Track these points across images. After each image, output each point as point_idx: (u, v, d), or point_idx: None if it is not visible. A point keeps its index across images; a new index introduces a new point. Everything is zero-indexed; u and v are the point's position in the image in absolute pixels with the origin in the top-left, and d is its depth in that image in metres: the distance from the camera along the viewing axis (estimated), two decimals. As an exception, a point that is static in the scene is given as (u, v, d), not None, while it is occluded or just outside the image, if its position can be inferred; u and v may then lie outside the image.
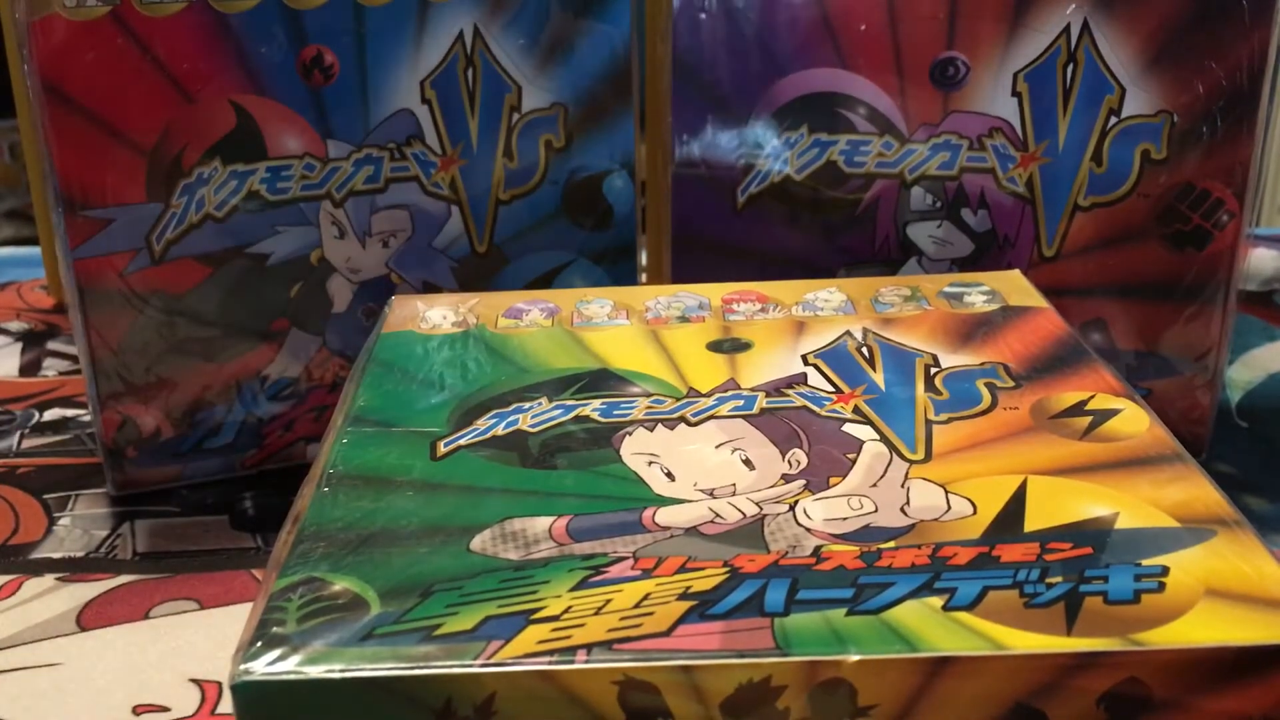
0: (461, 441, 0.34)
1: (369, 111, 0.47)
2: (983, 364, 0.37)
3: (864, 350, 0.38)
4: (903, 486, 0.31)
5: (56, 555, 0.46)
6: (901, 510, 0.30)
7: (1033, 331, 0.39)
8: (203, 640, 0.41)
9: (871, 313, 0.41)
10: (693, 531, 0.30)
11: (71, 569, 0.45)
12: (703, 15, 0.47)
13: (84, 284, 0.45)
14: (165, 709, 0.38)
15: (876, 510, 0.30)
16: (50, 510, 0.49)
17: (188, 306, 0.47)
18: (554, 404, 0.36)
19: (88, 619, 0.43)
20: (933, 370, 0.37)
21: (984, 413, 0.34)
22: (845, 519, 0.30)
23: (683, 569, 0.28)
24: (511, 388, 0.37)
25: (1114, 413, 0.34)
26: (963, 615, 0.26)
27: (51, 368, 0.61)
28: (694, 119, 0.49)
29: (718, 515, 0.30)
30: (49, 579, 0.45)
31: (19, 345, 0.64)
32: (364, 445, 0.34)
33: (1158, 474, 0.31)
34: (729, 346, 0.39)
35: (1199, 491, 0.30)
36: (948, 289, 0.42)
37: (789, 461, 0.33)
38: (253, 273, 0.47)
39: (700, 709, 0.25)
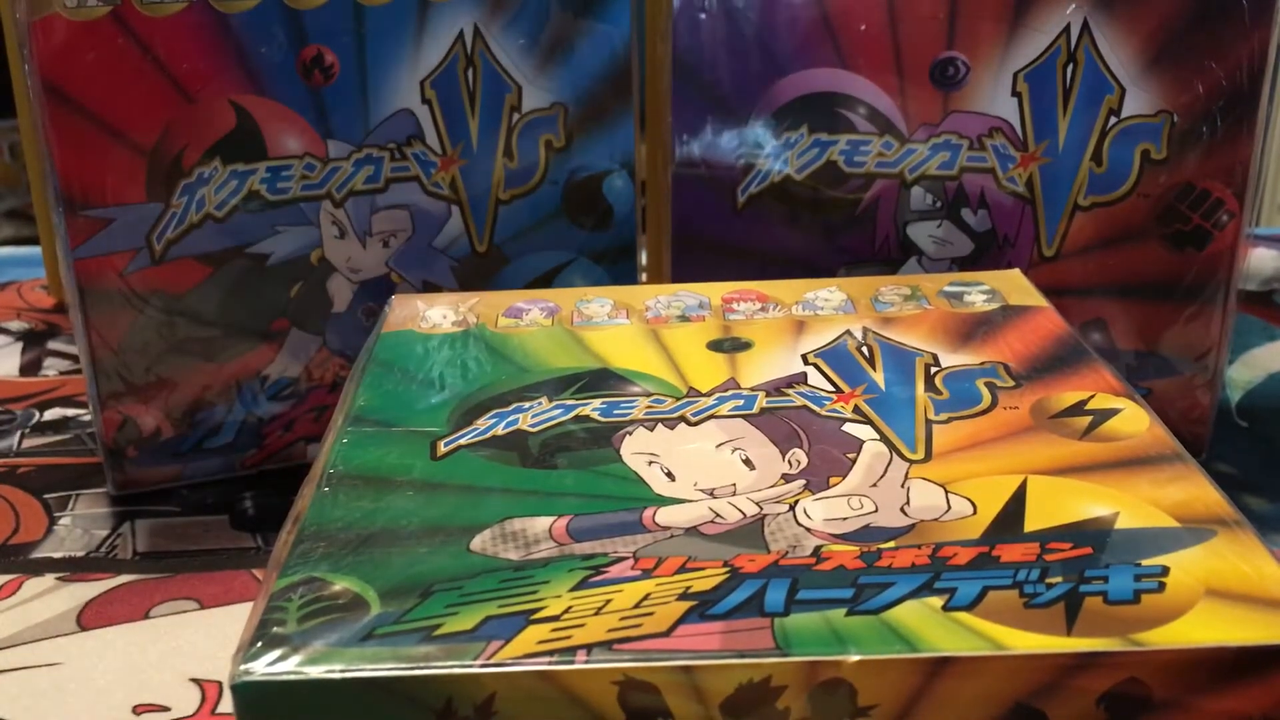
0: (461, 441, 0.34)
1: (369, 111, 0.47)
2: (983, 363, 0.37)
3: (864, 350, 0.38)
4: (903, 486, 0.31)
5: (57, 555, 0.46)
6: (901, 510, 0.30)
7: (1033, 331, 0.39)
8: (203, 640, 0.41)
9: (871, 312, 0.41)
10: (693, 531, 0.30)
11: (71, 569, 0.45)
12: (703, 15, 0.47)
13: (84, 284, 0.45)
14: (165, 709, 0.38)
15: (876, 510, 0.30)
16: (50, 510, 0.49)
17: (188, 306, 0.47)
18: (554, 404, 0.36)
19: (88, 619, 0.43)
20: (933, 370, 0.37)
21: (984, 412, 0.34)
22: (845, 519, 0.30)
23: (683, 569, 0.28)
24: (511, 387, 0.37)
25: (1114, 412, 0.34)
26: (963, 615, 0.26)
27: (52, 367, 0.61)
28: (694, 119, 0.49)
29: (718, 515, 0.30)
30: (49, 579, 0.45)
31: (19, 345, 0.64)
32: (364, 445, 0.34)
33: (1158, 474, 0.31)
34: (729, 346, 0.39)
35: (1199, 491, 0.30)
36: (948, 288, 0.42)
37: (789, 461, 0.33)
38: (253, 273, 0.47)
39: (700, 709, 0.25)
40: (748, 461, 0.33)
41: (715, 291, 0.42)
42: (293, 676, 0.25)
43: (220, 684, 0.39)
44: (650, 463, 0.33)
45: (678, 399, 0.36)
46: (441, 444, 0.34)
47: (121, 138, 0.44)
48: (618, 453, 0.33)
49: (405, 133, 0.48)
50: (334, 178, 0.47)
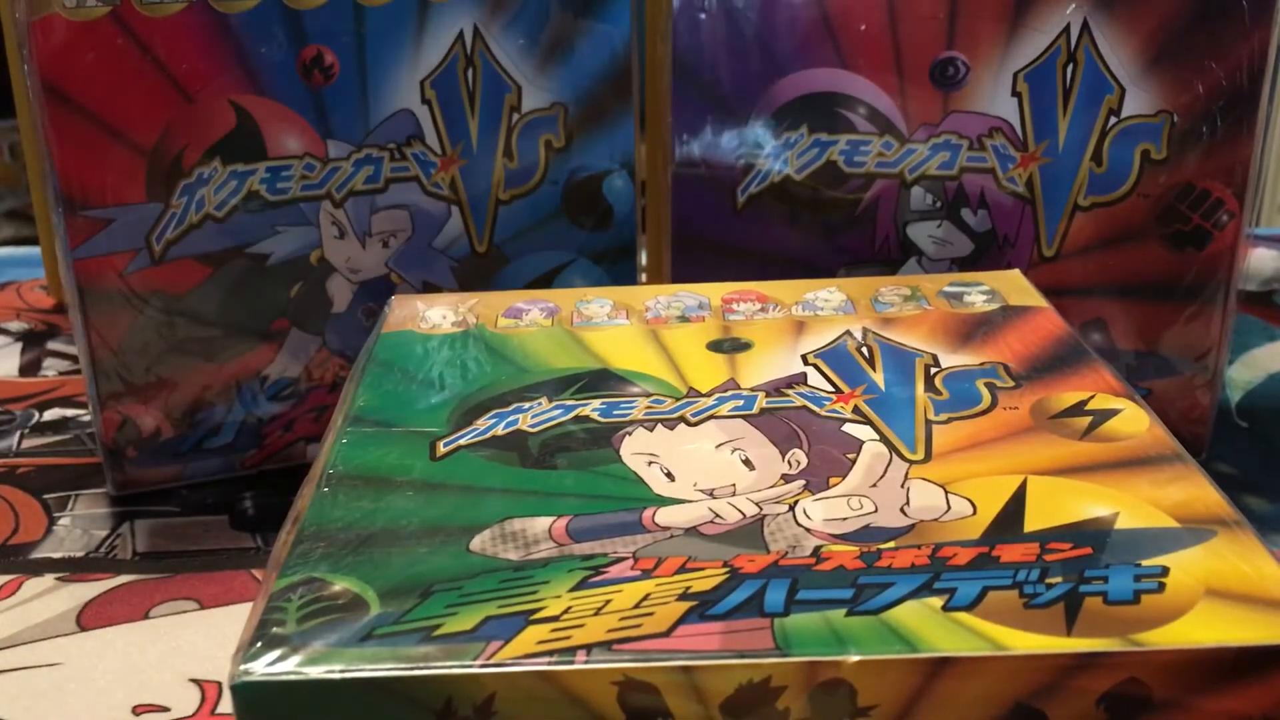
0: (461, 441, 0.34)
1: (369, 111, 0.47)
2: (983, 364, 0.37)
3: (864, 350, 0.38)
4: (902, 486, 0.31)
5: (56, 555, 0.46)
6: (901, 510, 0.30)
7: (1033, 331, 0.39)
8: (203, 640, 0.41)
9: (871, 312, 0.41)
10: (693, 532, 0.30)
11: (71, 569, 0.45)
12: (703, 15, 0.47)
13: (84, 284, 0.45)
14: (165, 709, 0.38)
15: (876, 510, 0.30)
16: (50, 510, 0.49)
17: (188, 306, 0.47)
18: (554, 404, 0.36)
19: (88, 619, 0.43)
20: (933, 370, 0.37)
21: (984, 413, 0.34)
22: (845, 519, 0.30)
23: (683, 569, 0.28)
24: (511, 388, 0.37)
25: (1114, 413, 0.34)
26: (963, 615, 0.26)
27: (51, 368, 0.61)
28: (694, 119, 0.49)
29: (718, 515, 0.30)
30: (49, 579, 0.45)
31: (19, 345, 0.64)
32: (364, 445, 0.34)
33: (1158, 474, 0.31)
34: (729, 346, 0.39)
35: (1199, 491, 0.30)
36: (948, 289, 0.42)
37: (789, 461, 0.33)
38: (253, 273, 0.47)
39: (700, 709, 0.25)
40: (747, 462, 0.33)
41: (715, 292, 0.42)
42: (292, 677, 0.25)
43: (220, 684, 0.39)
44: (650, 463, 0.33)
45: (677, 399, 0.36)
46: (441, 444, 0.34)
47: (121, 138, 0.44)
48: (617, 453, 0.33)
49: (405, 133, 0.48)
50: (334, 178, 0.47)
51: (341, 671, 0.25)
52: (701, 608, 0.26)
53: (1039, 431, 0.33)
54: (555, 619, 0.26)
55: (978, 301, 0.41)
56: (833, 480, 0.32)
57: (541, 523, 0.30)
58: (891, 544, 0.29)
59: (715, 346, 0.39)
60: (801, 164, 0.49)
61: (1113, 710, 0.25)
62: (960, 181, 0.48)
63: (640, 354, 0.39)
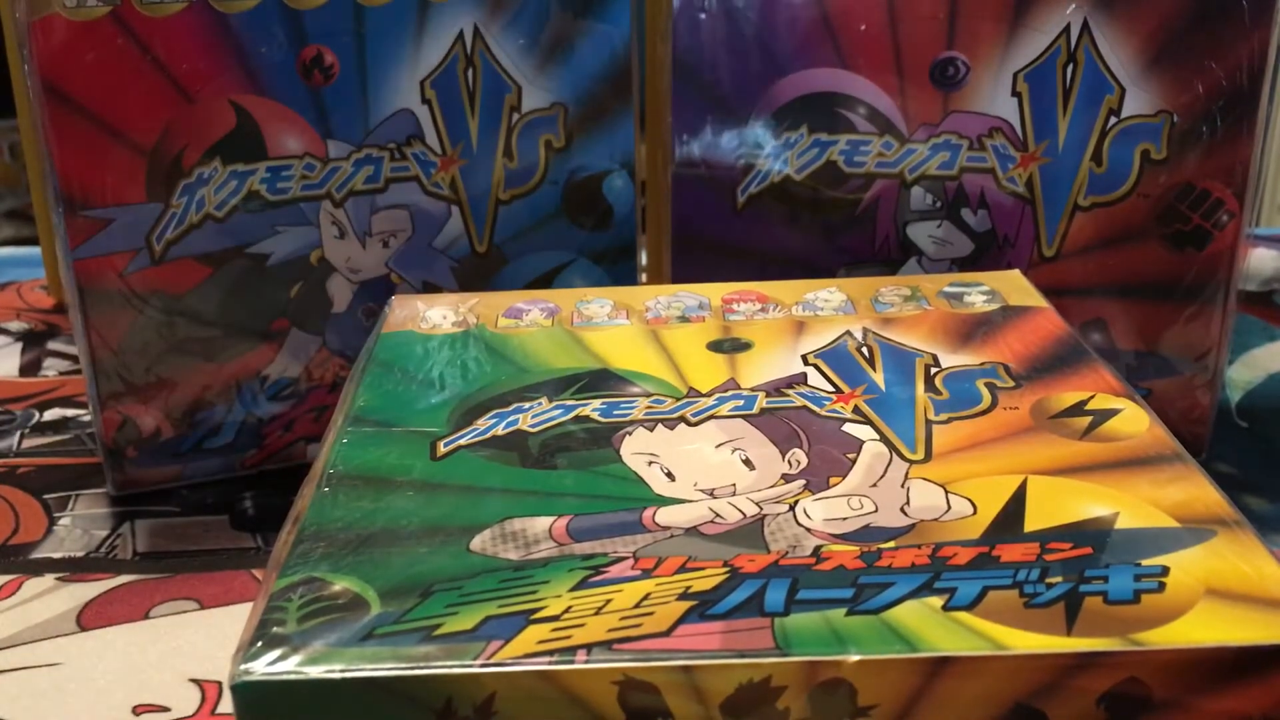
0: (461, 441, 0.34)
1: (369, 111, 0.47)
2: (983, 364, 0.37)
3: (864, 350, 0.38)
4: (903, 486, 0.31)
5: (56, 555, 0.46)
6: (901, 510, 0.30)
7: (1033, 331, 0.39)
8: (203, 640, 0.41)
9: (871, 313, 0.41)
10: (693, 531, 0.30)
11: (71, 569, 0.45)
12: (703, 15, 0.47)
13: (84, 284, 0.45)
14: (165, 709, 0.38)
15: (876, 510, 0.30)
16: (50, 510, 0.49)
17: (188, 306, 0.47)
18: (554, 404, 0.36)
19: (88, 619, 0.43)
20: (933, 370, 0.37)
21: (984, 413, 0.34)
22: (845, 519, 0.30)
23: (683, 569, 0.28)
24: (511, 388, 0.37)
25: (1114, 413, 0.34)
26: (963, 615, 0.26)
27: (51, 368, 0.61)
28: (694, 119, 0.49)
29: (718, 515, 0.30)
30: (49, 579, 0.45)
31: (19, 345, 0.64)
32: (364, 445, 0.34)
33: (1158, 474, 0.31)
34: (729, 346, 0.39)
35: (1199, 491, 0.30)
36: (948, 289, 0.42)
37: (789, 461, 0.33)
38: (253, 273, 0.47)
39: (700, 709, 0.25)
40: (748, 462, 0.33)
41: (715, 292, 0.42)
42: (292, 676, 0.25)
43: (220, 684, 0.39)
44: (650, 463, 0.33)
45: (678, 399, 0.36)
46: (441, 444, 0.34)
47: (121, 138, 0.44)
48: (618, 453, 0.33)
49: (405, 133, 0.48)
50: (334, 178, 0.47)
51: (342, 671, 0.25)
52: (702, 607, 0.26)
53: (1039, 431, 0.33)
54: (555, 619, 0.26)
55: (978, 302, 0.41)
56: (833, 480, 0.32)
57: (542, 522, 0.30)
58: (892, 544, 0.29)
59: (715, 346, 0.39)
60: (801, 164, 0.49)
61: (1113, 710, 0.25)
62: (960, 181, 0.48)
63: (640, 354, 0.39)
